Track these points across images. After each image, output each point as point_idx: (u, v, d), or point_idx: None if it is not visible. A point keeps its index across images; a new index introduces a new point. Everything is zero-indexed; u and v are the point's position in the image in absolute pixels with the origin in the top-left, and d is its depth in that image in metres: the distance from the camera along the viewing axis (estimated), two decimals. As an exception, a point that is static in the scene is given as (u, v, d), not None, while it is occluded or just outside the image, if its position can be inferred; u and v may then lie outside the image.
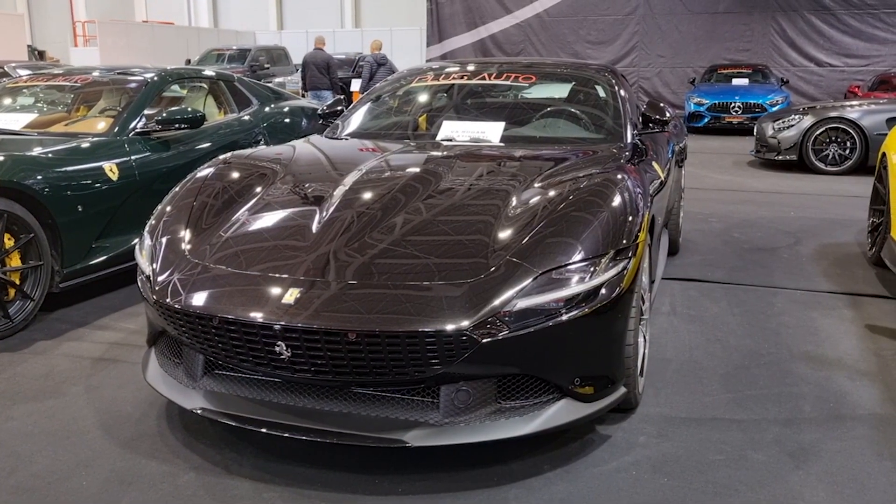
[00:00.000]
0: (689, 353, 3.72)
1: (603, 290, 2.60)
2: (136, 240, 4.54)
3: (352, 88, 15.71)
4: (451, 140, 3.90)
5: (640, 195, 3.01)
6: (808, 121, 9.98)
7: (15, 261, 4.02)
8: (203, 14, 28.80)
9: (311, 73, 12.94)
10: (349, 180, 3.22)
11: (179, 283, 2.74)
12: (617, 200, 2.87)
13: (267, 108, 6.08)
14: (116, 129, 4.76)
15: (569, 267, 2.57)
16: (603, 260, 2.62)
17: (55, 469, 2.70)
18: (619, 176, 3.06)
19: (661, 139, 4.49)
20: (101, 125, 4.89)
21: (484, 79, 4.44)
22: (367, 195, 3.10)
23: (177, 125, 4.90)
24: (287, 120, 6.22)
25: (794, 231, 6.46)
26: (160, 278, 2.80)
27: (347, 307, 2.47)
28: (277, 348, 2.47)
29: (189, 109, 5.01)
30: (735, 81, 16.25)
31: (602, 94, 4.33)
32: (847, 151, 9.81)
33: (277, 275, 2.66)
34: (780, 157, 10.04)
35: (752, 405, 3.18)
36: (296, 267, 2.68)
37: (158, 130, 4.90)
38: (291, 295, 2.52)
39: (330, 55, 13.40)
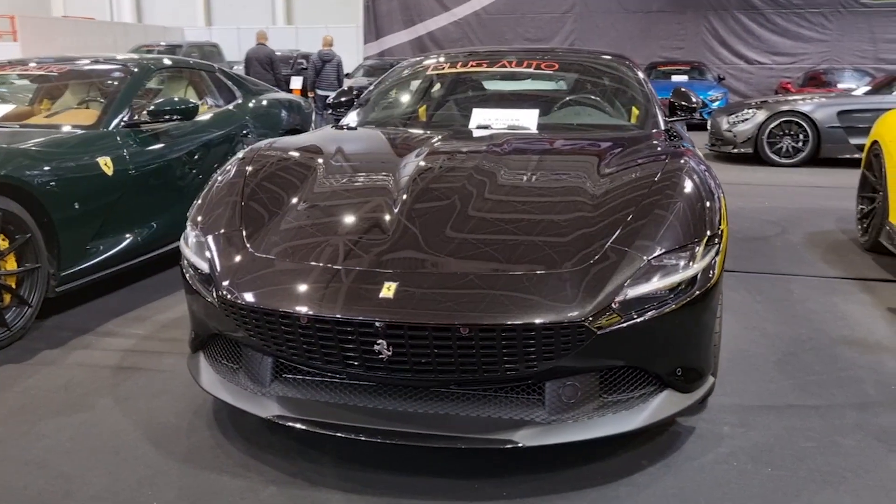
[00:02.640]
0: (733, 342, 3.68)
1: (699, 278, 2.51)
2: (130, 238, 4.31)
3: (291, 86, 15.32)
4: (487, 127, 3.75)
5: (712, 180, 2.94)
6: (762, 115, 10.22)
7: (11, 263, 3.66)
8: (126, 9, 27.65)
9: (255, 70, 12.49)
10: (409, 170, 3.03)
11: (251, 281, 2.51)
12: (697, 187, 2.79)
13: (252, 100, 5.78)
14: (105, 121, 4.42)
15: (671, 254, 2.47)
16: (699, 247, 2.53)
17: (115, 489, 2.44)
18: (693, 163, 2.98)
19: None
20: (87, 117, 4.53)
21: (505, 66, 4.31)
22: (437, 185, 2.93)
23: (169, 116, 4.59)
24: (272, 112, 5.95)
25: (777, 220, 6.56)
26: (224, 276, 2.55)
27: (454, 300, 2.30)
28: (377, 347, 2.28)
29: (181, 100, 4.71)
30: (674, 78, 16.58)
31: (628, 81, 4.27)
32: (800, 144, 10.09)
33: (364, 268, 2.46)
34: (737, 150, 10.26)
35: (818, 390, 3.15)
36: (383, 260, 2.49)
37: (149, 122, 4.57)
38: (389, 289, 2.33)
39: (272, 50, 13.01)
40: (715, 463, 2.60)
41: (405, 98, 4.45)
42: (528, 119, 3.79)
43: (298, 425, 2.44)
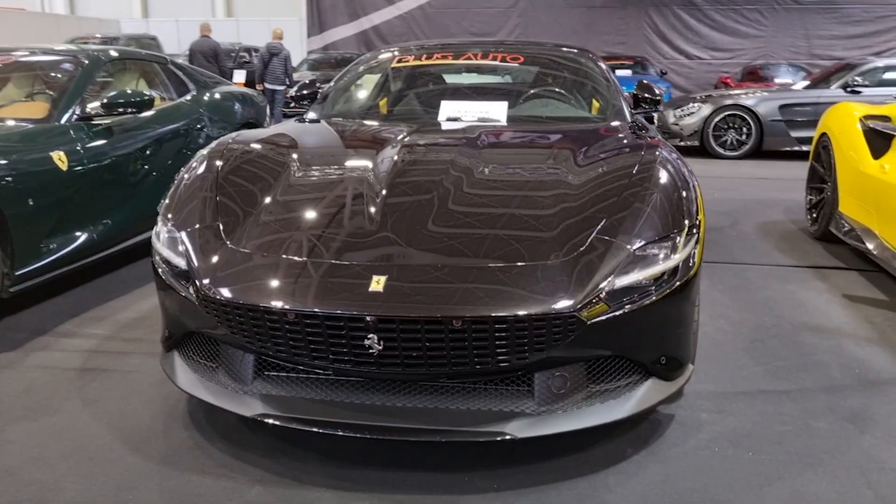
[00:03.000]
0: (700, 329, 3.71)
1: (680, 268, 2.54)
2: (86, 235, 4.16)
3: (234, 80, 15.05)
4: (456, 120, 3.73)
5: (687, 170, 2.99)
6: (707, 109, 10.46)
7: (-38, 263, 3.50)
8: (57, 0, 26.70)
9: (199, 63, 12.21)
10: (386, 164, 2.99)
11: (232, 277, 2.44)
12: (674, 178, 2.83)
13: (207, 93, 5.64)
14: (57, 114, 4.25)
15: (653, 245, 2.50)
16: (680, 237, 2.56)
17: (93, 495, 2.35)
18: (667, 154, 3.02)
19: None
20: (37, 110, 4.35)
21: (471, 59, 4.30)
22: (416, 179, 2.90)
23: (124, 109, 4.44)
24: (227, 105, 5.81)
25: (728, 211, 6.71)
26: (204, 272, 2.48)
27: (444, 293, 2.28)
28: (367, 342, 2.24)
29: (136, 92, 4.56)
30: (619, 73, 16.81)
31: (593, 74, 4.30)
32: (744, 137, 10.36)
33: (350, 262, 2.42)
34: (683, 143, 10.46)
35: (787, 375, 3.23)
36: (368, 252, 2.45)
37: (102, 115, 4.42)
38: (378, 283, 2.30)
39: (217, 43, 12.75)
40: (697, 449, 2.64)
41: (370, 91, 4.40)
42: (497, 111, 3.79)
43: (283, 423, 2.39)
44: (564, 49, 4.62)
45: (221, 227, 2.66)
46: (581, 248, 2.44)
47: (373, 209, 2.67)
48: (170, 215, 2.81)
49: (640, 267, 2.43)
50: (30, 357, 3.41)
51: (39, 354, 3.44)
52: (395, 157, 3.03)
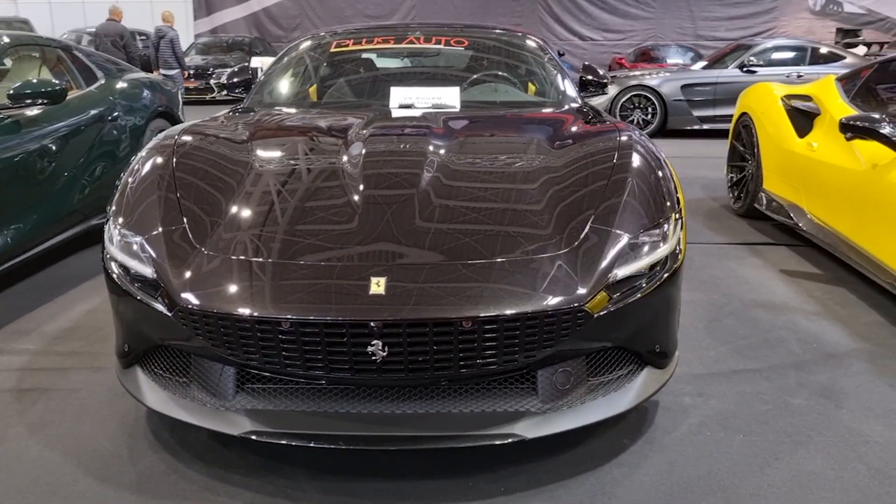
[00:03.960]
0: (658, 311, 3.77)
1: (670, 255, 2.51)
2: (1, 240, 3.78)
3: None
4: (410, 106, 3.59)
5: (661, 154, 2.97)
6: (613, 89, 10.66)
7: None
8: None
9: (105, 48, 11.54)
10: (355, 155, 2.82)
11: (212, 285, 2.23)
12: (652, 163, 2.80)
13: (116, 81, 5.24)
14: (-42, 107, 3.83)
15: (646, 233, 2.46)
16: (669, 224, 2.54)
17: (66, 535, 2.11)
18: (639, 138, 2.99)
19: None
20: (-67, 103, 3.91)
21: (413, 43, 4.15)
22: (391, 171, 2.74)
23: (33, 101, 4.06)
24: (138, 93, 5.41)
25: (650, 191, 6.84)
26: (179, 282, 2.25)
27: (451, 293, 2.16)
28: (371, 348, 2.09)
29: (46, 81, 4.18)
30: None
31: (539, 57, 4.24)
32: (649, 116, 10.63)
33: (342, 263, 2.26)
34: (592, 124, 10.62)
35: (753, 354, 3.29)
36: (360, 251, 2.29)
37: (9, 108, 4.02)
38: (378, 284, 2.15)
39: (125, 27, 12.04)
40: (690, 434, 2.64)
41: (312, 78, 4.18)
42: (450, 97, 3.67)
43: (275, 440, 2.21)
44: (508, 32, 4.53)
45: (189, 230, 2.43)
46: (578, 240, 2.37)
47: (350, 206, 2.51)
48: (121, 218, 2.55)
49: (638, 256, 2.39)
50: (-47, 380, 3.06)
51: (-36, 376, 3.09)
52: (363, 150, 2.87)
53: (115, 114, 4.98)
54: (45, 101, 4.12)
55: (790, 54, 10.99)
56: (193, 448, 2.52)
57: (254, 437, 2.21)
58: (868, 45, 13.45)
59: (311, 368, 2.17)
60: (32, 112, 4.16)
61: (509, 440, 2.20)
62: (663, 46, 18.92)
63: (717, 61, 11.47)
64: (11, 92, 3.99)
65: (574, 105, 3.78)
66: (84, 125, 4.63)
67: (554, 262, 2.29)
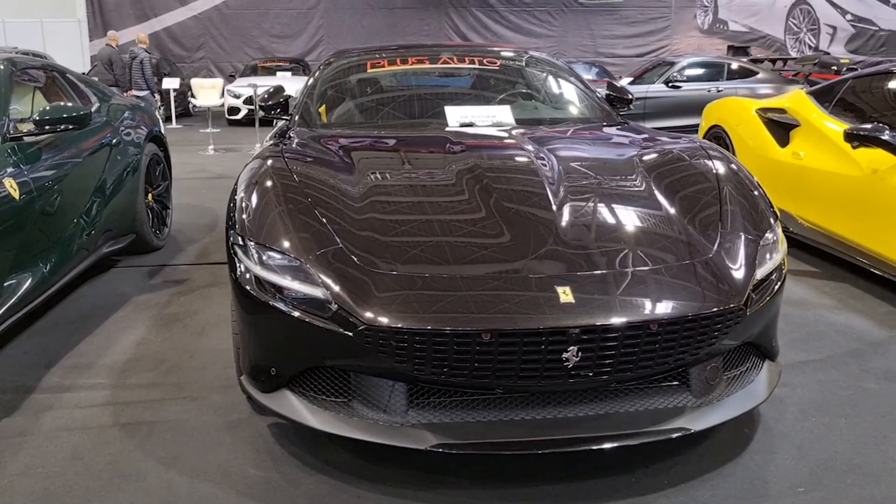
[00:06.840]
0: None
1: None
2: (42, 270, 3.59)
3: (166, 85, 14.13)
4: (470, 125, 3.69)
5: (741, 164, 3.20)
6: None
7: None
8: None
9: (98, 71, 11.86)
10: (465, 170, 2.91)
11: (398, 301, 2.25)
12: (745, 173, 3.04)
13: (110, 104, 5.05)
14: (-14, 133, 3.62)
15: (766, 237, 2.67)
16: (778, 227, 2.77)
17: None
18: (717, 151, 3.21)
19: None
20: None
21: (447, 63, 4.25)
22: (514, 187, 2.85)
23: (60, 126, 3.88)
24: (130, 116, 5.23)
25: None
26: (358, 301, 2.26)
27: (634, 297, 2.29)
28: (566, 354, 2.19)
29: (73, 105, 4.01)
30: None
31: (568, 76, 4.43)
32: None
33: (521, 275, 2.35)
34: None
35: (805, 346, 3.58)
36: (534, 264, 2.39)
37: (34, 133, 3.83)
38: (566, 293, 2.25)
39: (115, 52, 12.04)
40: (798, 421, 2.86)
41: (355, 96, 4.19)
42: (504, 115, 3.80)
43: (461, 451, 2.27)
44: (534, 53, 4.70)
45: (347, 250, 2.44)
46: (719, 244, 2.56)
47: (493, 217, 2.60)
48: (256, 241, 2.52)
49: (770, 258, 2.60)
50: (42, 420, 2.90)
51: (52, 415, 2.93)
52: (473, 164, 2.95)
53: (117, 138, 4.81)
54: (73, 126, 3.94)
55: (709, 70, 11.73)
56: (346, 466, 2.53)
57: (443, 451, 2.25)
58: (773, 61, 14.48)
59: (501, 377, 2.24)
60: (48, 138, 3.98)
61: (679, 434, 2.35)
62: (571, 63, 19.61)
63: (638, 77, 12.08)
64: (40, 117, 3.81)
65: (613, 120, 4.00)
66: (95, 148, 4.46)
67: (708, 267, 2.46)
